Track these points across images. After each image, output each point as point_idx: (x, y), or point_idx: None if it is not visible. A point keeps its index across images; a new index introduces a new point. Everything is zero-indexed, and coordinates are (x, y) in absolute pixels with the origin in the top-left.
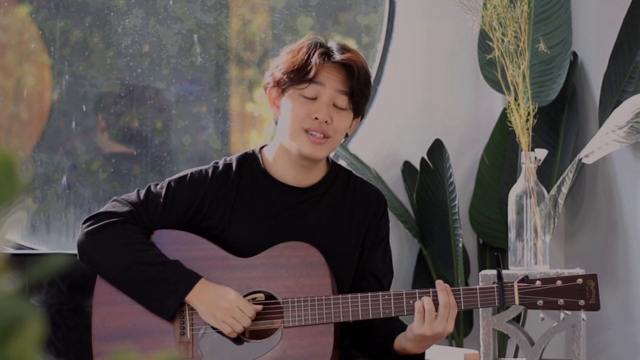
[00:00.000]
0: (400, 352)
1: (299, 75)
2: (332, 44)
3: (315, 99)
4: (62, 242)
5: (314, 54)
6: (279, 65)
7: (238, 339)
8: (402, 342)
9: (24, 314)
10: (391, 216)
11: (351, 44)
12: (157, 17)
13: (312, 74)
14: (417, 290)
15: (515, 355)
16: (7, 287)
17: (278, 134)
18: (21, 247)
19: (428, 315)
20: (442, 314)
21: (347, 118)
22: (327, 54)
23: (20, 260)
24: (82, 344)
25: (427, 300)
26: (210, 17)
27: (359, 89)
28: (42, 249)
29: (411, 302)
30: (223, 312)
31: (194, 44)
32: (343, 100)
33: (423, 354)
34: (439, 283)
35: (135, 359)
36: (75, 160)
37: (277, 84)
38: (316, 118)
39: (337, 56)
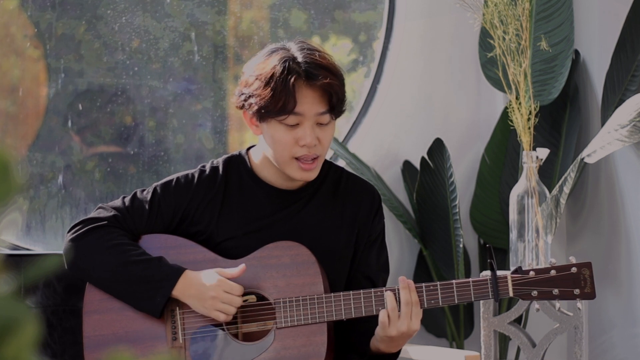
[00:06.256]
0: (376, 352)
1: (276, 109)
2: (299, 56)
3: (297, 124)
4: (58, 242)
5: (289, 81)
6: (252, 93)
7: (230, 342)
8: (375, 343)
9: (19, 316)
10: (391, 216)
11: (348, 42)
12: (153, 14)
13: (290, 106)
14: (385, 288)
15: (517, 357)
16: (3, 288)
17: (264, 146)
18: (16, 247)
19: (391, 314)
20: (405, 312)
21: (332, 127)
22: (301, 75)
23: (16, 261)
24: (78, 346)
25: (389, 300)
26: (207, 15)
27: (338, 101)
28: (37, 249)
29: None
30: (212, 301)
31: (191, 41)
32: (325, 118)
33: (398, 353)
34: (401, 280)
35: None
36: (70, 159)
37: (254, 113)
38: (304, 144)
39: (314, 79)
